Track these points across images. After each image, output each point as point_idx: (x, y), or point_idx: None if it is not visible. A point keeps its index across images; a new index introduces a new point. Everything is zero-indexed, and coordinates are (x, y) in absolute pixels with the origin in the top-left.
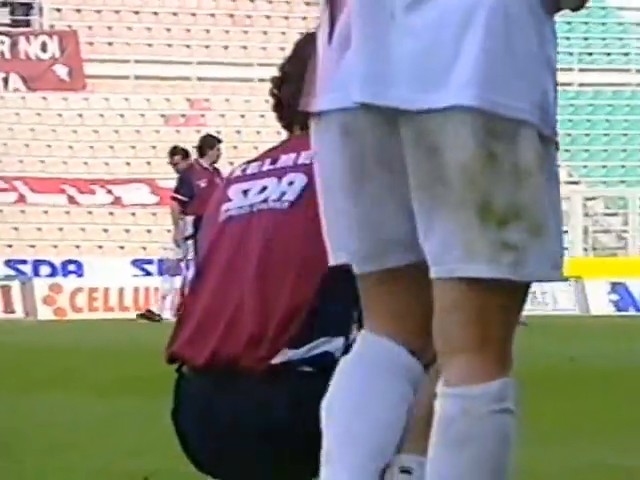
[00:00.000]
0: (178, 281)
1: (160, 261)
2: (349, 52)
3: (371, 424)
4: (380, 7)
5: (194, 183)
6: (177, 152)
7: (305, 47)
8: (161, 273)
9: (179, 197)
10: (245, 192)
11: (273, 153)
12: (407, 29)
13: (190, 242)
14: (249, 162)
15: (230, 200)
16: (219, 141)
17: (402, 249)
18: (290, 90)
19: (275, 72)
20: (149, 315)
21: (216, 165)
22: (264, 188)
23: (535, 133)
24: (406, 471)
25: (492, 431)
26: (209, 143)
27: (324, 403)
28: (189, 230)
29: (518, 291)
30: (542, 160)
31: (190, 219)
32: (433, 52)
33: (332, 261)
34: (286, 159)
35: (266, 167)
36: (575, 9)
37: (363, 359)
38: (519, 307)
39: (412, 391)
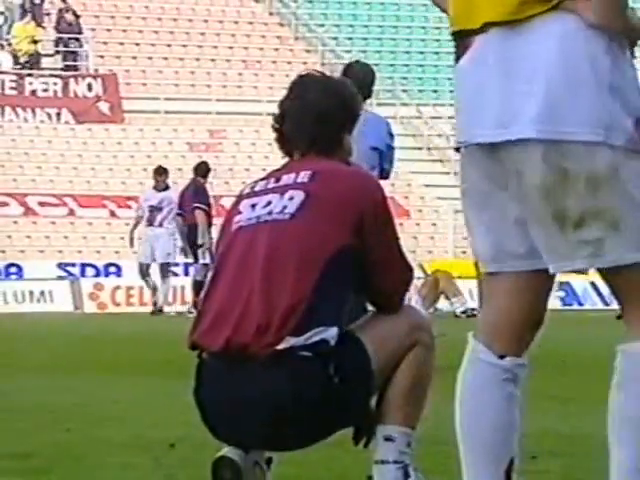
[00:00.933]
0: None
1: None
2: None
3: (484, 432)
4: (481, 57)
5: (209, 197)
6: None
7: (300, 86)
8: (186, 274)
9: (203, 207)
10: (253, 206)
11: (277, 174)
12: (495, 74)
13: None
14: (257, 181)
15: (241, 213)
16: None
17: (518, 257)
18: (289, 125)
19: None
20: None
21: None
22: (269, 202)
23: (604, 147)
24: (389, 439)
25: None
26: (208, 168)
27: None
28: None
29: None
30: (616, 167)
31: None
32: (510, 95)
33: (483, 267)
34: (287, 178)
35: (271, 185)
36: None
37: (470, 375)
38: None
39: (515, 387)
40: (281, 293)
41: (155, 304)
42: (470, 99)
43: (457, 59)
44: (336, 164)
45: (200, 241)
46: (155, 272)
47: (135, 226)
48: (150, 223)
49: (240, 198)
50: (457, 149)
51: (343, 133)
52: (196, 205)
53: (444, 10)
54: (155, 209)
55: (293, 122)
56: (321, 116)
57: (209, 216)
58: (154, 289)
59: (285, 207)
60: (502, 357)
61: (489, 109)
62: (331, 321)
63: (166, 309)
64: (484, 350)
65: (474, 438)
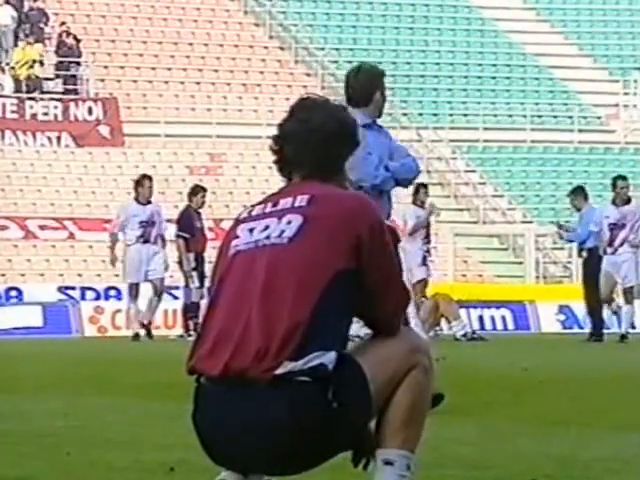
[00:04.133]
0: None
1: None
2: None
3: None
4: None
5: (193, 223)
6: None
7: (303, 109)
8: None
9: (183, 235)
10: (251, 230)
11: (274, 198)
12: None
13: (194, 273)
14: (254, 205)
15: (238, 237)
16: (203, 189)
17: None
18: (293, 147)
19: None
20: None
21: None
22: (267, 227)
23: None
24: (388, 462)
25: None
26: (197, 191)
27: None
28: (192, 264)
29: None
30: None
31: (191, 255)
32: None
33: None
34: (284, 202)
35: (268, 209)
36: None
37: None
38: None
39: None
40: (280, 318)
41: (145, 325)
42: None
43: None
44: (333, 188)
45: (185, 268)
46: (148, 291)
47: (115, 243)
48: (146, 240)
49: (237, 222)
50: None
51: (345, 158)
52: (176, 233)
53: None
54: (148, 224)
55: (297, 145)
56: (327, 140)
57: (198, 242)
58: (137, 312)
59: (283, 231)
60: None
61: None
62: (329, 345)
63: (165, 332)
64: None
65: None
